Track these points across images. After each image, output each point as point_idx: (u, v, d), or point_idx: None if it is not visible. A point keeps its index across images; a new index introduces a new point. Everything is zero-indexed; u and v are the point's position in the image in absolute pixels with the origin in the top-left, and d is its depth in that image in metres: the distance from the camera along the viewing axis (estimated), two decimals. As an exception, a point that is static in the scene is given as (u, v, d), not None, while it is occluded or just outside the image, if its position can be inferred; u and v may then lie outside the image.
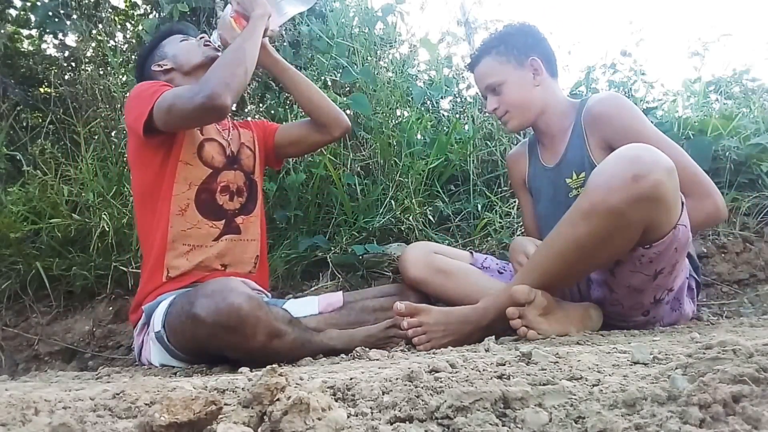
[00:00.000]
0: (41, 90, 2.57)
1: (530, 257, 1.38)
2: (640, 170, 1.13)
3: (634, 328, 1.40)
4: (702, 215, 1.37)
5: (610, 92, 1.49)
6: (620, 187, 1.14)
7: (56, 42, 2.63)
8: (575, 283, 1.46)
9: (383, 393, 0.64)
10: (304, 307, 1.50)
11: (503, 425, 0.53)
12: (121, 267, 1.91)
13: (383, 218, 2.09)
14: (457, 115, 2.66)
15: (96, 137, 2.22)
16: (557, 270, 1.28)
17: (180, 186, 1.53)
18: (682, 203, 1.25)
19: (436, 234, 2.14)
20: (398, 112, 2.39)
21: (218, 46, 1.61)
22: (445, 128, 2.39)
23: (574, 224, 1.22)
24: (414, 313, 1.35)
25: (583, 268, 1.30)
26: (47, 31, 2.58)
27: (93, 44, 2.49)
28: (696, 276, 1.55)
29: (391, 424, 0.55)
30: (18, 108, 2.39)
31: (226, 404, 0.62)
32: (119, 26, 2.65)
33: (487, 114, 1.83)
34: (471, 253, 1.75)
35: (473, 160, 2.33)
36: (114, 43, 2.54)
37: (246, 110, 2.48)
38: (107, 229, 1.87)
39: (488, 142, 2.43)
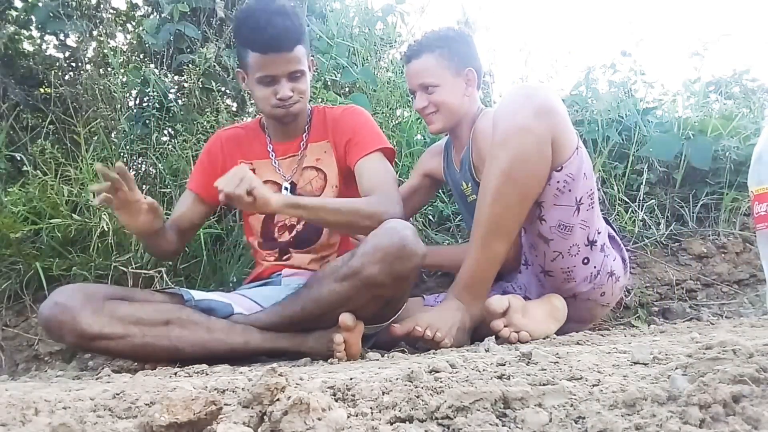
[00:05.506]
0: (41, 90, 2.56)
1: (474, 217, 1.42)
2: (529, 91, 1.36)
3: (583, 294, 1.45)
4: None
5: (489, 112, 1.53)
6: (520, 108, 1.32)
7: (57, 42, 2.62)
8: (521, 227, 1.44)
9: (383, 393, 0.64)
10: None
11: (503, 425, 0.53)
12: (121, 267, 1.90)
13: (383, 218, 2.08)
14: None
15: (96, 137, 2.21)
16: (499, 212, 1.34)
17: (249, 237, 1.69)
18: (576, 132, 1.41)
19: (436, 234, 2.14)
20: (398, 112, 2.39)
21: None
22: (445, 128, 2.39)
23: (495, 157, 1.33)
24: (412, 325, 1.35)
25: (518, 204, 1.35)
26: (48, 31, 2.58)
27: (93, 45, 2.49)
28: (612, 227, 1.64)
29: (391, 424, 0.55)
30: (18, 108, 2.38)
31: (226, 404, 0.62)
32: (120, 27, 2.65)
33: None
34: (422, 297, 1.75)
35: (473, 161, 2.33)
36: (114, 44, 2.54)
37: (246, 110, 2.47)
38: (107, 229, 1.86)
39: (488, 143, 2.43)
